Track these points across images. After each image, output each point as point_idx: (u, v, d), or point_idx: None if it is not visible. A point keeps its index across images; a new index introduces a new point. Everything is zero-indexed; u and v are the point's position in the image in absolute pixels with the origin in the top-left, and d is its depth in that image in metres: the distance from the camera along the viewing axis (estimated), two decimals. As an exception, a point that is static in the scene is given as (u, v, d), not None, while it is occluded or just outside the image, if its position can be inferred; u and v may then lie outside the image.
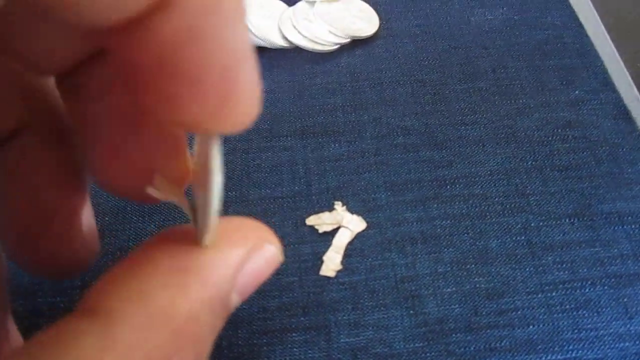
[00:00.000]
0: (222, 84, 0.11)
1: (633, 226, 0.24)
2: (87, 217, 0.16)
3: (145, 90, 0.11)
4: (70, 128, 0.15)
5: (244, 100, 0.11)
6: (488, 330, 0.22)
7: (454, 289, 0.22)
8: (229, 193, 0.25)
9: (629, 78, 0.31)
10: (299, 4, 0.30)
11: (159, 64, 0.10)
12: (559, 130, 0.27)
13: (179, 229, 0.13)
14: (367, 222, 0.24)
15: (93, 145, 0.14)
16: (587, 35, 0.30)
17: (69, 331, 0.10)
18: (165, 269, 0.12)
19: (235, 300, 0.13)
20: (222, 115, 0.11)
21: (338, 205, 0.24)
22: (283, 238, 0.23)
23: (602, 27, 0.34)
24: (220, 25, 0.10)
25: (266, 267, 0.14)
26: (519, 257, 0.23)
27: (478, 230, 0.24)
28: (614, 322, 0.22)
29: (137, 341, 0.10)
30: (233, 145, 0.26)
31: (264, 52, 0.29)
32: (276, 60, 0.29)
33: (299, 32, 0.28)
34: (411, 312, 0.22)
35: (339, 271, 0.23)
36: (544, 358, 0.21)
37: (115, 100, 0.13)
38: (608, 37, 0.33)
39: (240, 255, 0.13)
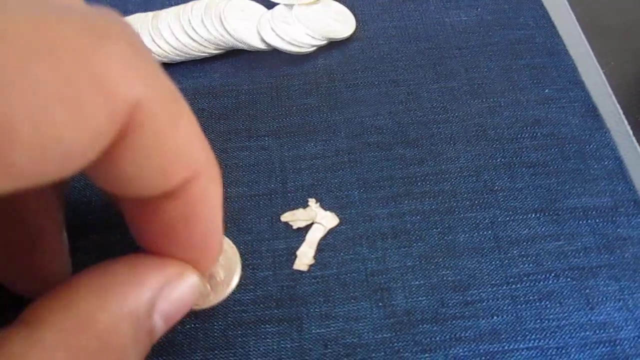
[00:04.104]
0: (204, 247, 0.17)
1: (597, 220, 0.25)
2: (63, 238, 0.19)
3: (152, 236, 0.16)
4: None
5: (215, 253, 0.17)
6: (454, 321, 0.22)
7: (422, 281, 0.23)
8: (207, 191, 0.25)
9: (603, 77, 0.31)
10: (277, 7, 0.31)
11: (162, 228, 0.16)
12: (528, 128, 0.28)
13: (115, 261, 0.16)
14: (340, 218, 0.25)
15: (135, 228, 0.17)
16: (558, 35, 0.31)
17: (2, 338, 0.12)
18: (91, 286, 0.14)
19: (159, 324, 0.15)
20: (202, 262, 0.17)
21: (312, 202, 0.25)
22: (259, 234, 0.24)
23: (577, 26, 0.34)
24: (207, 212, 0.16)
25: (188, 295, 0.16)
26: (485, 250, 0.24)
27: (447, 225, 0.25)
28: (575, 313, 0.23)
29: (59, 342, 0.12)
30: (212, 145, 0.27)
31: (242, 54, 0.30)
32: (255, 62, 0.30)
33: (277, 34, 0.29)
34: (380, 304, 0.23)
35: (311, 265, 0.24)
36: (507, 347, 0.22)
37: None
38: (583, 36, 0.34)
39: (159, 280, 0.15)
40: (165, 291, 0.15)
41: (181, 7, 0.30)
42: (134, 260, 0.16)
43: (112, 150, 0.13)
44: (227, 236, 0.24)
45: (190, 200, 0.15)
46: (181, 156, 0.14)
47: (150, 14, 0.29)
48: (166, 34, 0.29)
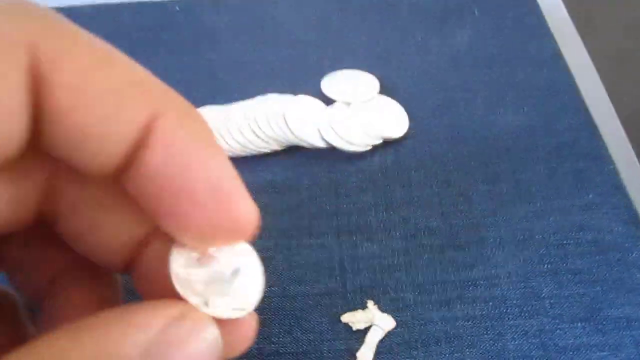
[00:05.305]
0: (214, 202, 0.13)
1: (639, 331, 0.26)
2: None
3: (153, 212, 0.14)
4: None
5: (241, 212, 0.14)
6: None
7: (474, 388, 0.25)
8: (272, 288, 0.27)
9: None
10: (335, 105, 0.33)
11: (154, 192, 0.13)
12: (573, 234, 0.29)
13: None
14: (396, 321, 0.26)
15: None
16: (601, 139, 0.33)
17: None
18: (70, 330, 0.12)
19: None
20: (222, 228, 0.14)
21: (370, 304, 0.27)
22: (320, 334, 0.26)
23: (622, 130, 0.36)
24: (198, 155, 0.13)
25: (206, 351, 0.13)
26: (533, 359, 0.26)
27: (497, 331, 0.26)
28: None
29: None
30: (276, 242, 0.29)
31: (302, 151, 0.32)
32: (314, 158, 0.32)
33: (335, 132, 0.31)
34: (435, 409, 0.24)
35: (370, 368, 0.25)
36: None
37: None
38: (627, 140, 0.35)
39: (157, 319, 0.12)
40: (171, 335, 0.12)
41: (247, 103, 0.32)
42: (132, 304, 0.13)
43: (48, 104, 0.12)
44: (292, 335, 0.26)
45: (164, 143, 0.13)
46: (125, 94, 0.13)
47: (222, 110, 0.32)
48: (234, 132, 0.31)
